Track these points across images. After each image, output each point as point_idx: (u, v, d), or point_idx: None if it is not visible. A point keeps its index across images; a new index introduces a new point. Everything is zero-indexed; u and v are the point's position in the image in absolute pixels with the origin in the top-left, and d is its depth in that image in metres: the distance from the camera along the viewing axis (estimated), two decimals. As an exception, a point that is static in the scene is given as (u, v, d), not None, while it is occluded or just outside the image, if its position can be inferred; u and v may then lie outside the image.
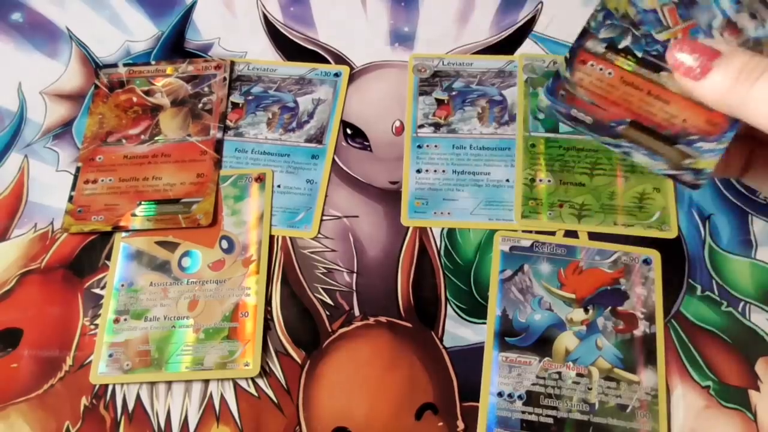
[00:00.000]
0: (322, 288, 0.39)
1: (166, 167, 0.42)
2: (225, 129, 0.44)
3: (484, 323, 0.37)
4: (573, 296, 0.34)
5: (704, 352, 0.36)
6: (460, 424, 0.35)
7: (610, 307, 0.34)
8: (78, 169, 0.42)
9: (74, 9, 0.50)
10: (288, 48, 0.47)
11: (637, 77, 0.32)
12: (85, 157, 0.43)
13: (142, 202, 0.41)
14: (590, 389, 0.32)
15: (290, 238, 0.41)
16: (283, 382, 0.37)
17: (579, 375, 0.32)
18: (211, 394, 0.37)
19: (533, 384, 0.32)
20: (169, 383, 0.37)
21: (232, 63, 0.46)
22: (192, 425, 0.36)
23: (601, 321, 0.33)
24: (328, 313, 0.38)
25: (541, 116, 0.38)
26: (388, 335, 0.38)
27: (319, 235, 0.41)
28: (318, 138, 0.44)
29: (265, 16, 0.49)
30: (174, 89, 0.45)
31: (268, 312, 0.38)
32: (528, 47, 0.46)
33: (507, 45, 0.46)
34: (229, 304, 0.38)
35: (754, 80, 0.25)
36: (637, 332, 0.33)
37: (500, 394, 0.32)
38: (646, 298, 0.34)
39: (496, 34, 0.47)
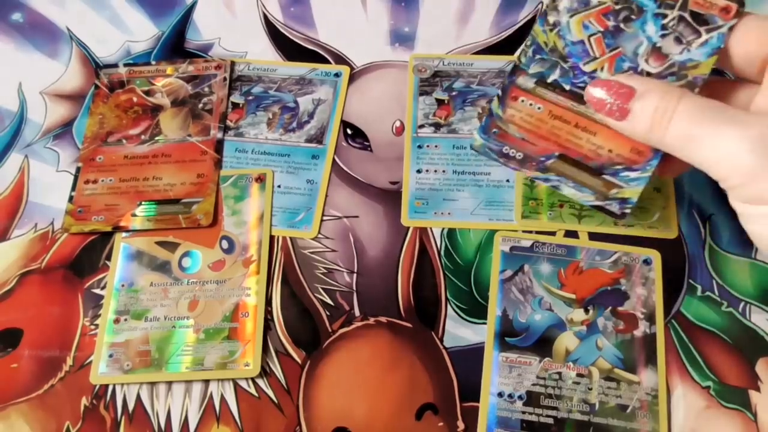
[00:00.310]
0: (323, 288, 0.39)
1: (166, 167, 0.42)
2: (225, 129, 0.44)
3: (484, 323, 0.37)
4: (573, 296, 0.34)
5: (704, 353, 0.36)
6: (461, 424, 0.35)
7: (610, 308, 0.33)
8: (78, 170, 0.42)
9: (74, 9, 0.50)
10: (288, 48, 0.48)
11: (565, 110, 0.33)
12: (85, 157, 0.43)
13: (143, 203, 0.41)
14: (590, 389, 0.32)
15: (290, 238, 0.41)
16: (283, 382, 0.37)
17: (579, 375, 0.32)
18: (211, 395, 0.37)
19: (533, 384, 0.32)
20: (170, 383, 0.37)
21: (233, 63, 0.46)
22: (192, 425, 0.36)
23: (601, 321, 0.33)
24: (328, 313, 0.38)
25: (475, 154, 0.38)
26: (388, 335, 0.38)
27: (320, 236, 0.41)
28: (318, 138, 0.44)
29: (265, 16, 0.49)
30: (174, 89, 0.45)
31: (268, 312, 0.38)
32: (528, 47, 0.46)
33: (507, 45, 0.46)
34: (230, 305, 0.38)
35: (667, 122, 0.27)
36: (638, 332, 0.33)
37: (500, 395, 0.32)
38: (646, 298, 0.34)
39: (496, 34, 0.47)
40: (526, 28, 0.47)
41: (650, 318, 0.33)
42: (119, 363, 0.37)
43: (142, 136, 0.43)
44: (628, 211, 0.32)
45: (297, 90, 0.45)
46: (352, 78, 0.46)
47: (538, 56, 0.34)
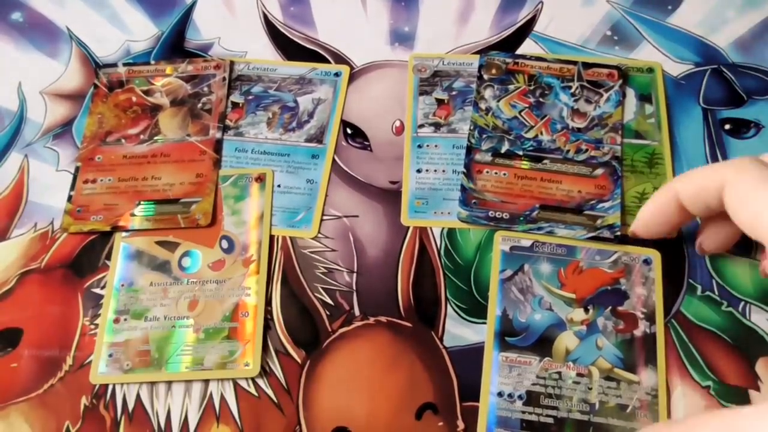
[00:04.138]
0: (322, 288, 0.39)
1: (165, 167, 0.42)
2: (225, 129, 0.44)
3: (485, 323, 0.37)
4: (573, 296, 0.33)
5: (704, 352, 0.36)
6: (460, 424, 0.35)
7: (610, 307, 0.33)
8: (77, 169, 0.42)
9: (74, 9, 0.50)
10: (288, 48, 0.47)
11: (527, 170, 0.40)
12: (84, 157, 0.43)
13: (141, 202, 0.41)
14: (590, 389, 0.32)
15: (290, 238, 0.41)
16: (283, 382, 0.37)
17: (579, 375, 0.32)
18: (211, 394, 0.37)
19: (533, 384, 0.32)
20: (169, 383, 0.37)
21: (232, 63, 0.46)
22: (192, 425, 0.36)
23: (601, 321, 0.33)
24: (328, 313, 0.38)
25: (465, 225, 0.40)
26: (388, 335, 0.38)
27: (319, 235, 0.41)
28: (318, 138, 0.44)
29: (265, 16, 0.49)
30: (173, 89, 0.45)
31: (268, 312, 0.38)
32: (528, 47, 0.46)
33: (507, 45, 0.46)
34: (229, 304, 0.38)
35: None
36: (637, 332, 0.33)
37: (500, 394, 0.32)
38: (646, 298, 0.34)
39: (496, 34, 0.47)
40: (526, 28, 0.47)
41: (650, 318, 0.33)
42: (119, 363, 0.37)
43: (141, 136, 0.43)
44: (618, 233, 0.37)
45: (297, 89, 0.45)
46: (352, 78, 0.46)
47: (485, 135, 0.41)
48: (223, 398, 0.36)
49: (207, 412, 0.36)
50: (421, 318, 0.38)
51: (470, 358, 0.36)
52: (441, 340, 0.37)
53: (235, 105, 0.45)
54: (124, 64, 0.46)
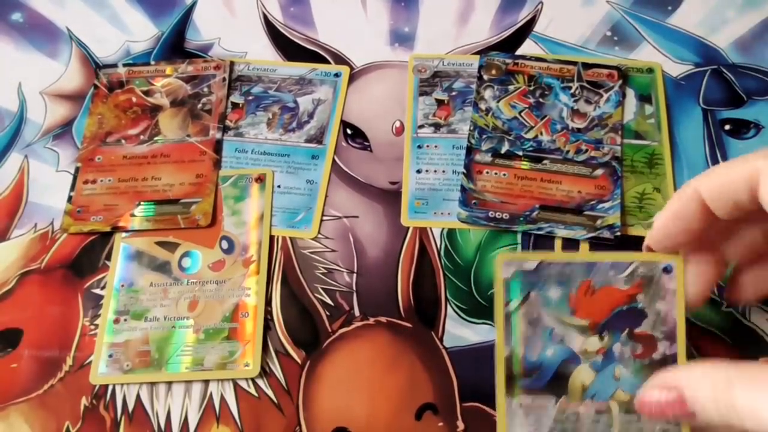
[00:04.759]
0: (322, 288, 0.39)
1: (165, 167, 0.42)
2: (225, 129, 0.44)
3: (485, 323, 0.37)
4: (586, 323, 0.30)
5: (704, 352, 0.36)
6: (460, 424, 0.35)
7: (626, 330, 0.30)
8: (77, 170, 0.42)
9: (74, 9, 0.50)
10: (288, 48, 0.47)
11: (527, 171, 0.40)
12: (84, 158, 0.43)
13: (141, 203, 0.41)
14: (611, 426, 0.30)
15: (290, 238, 0.41)
16: (283, 382, 0.37)
17: (598, 413, 0.30)
18: (211, 395, 0.37)
19: (551, 429, 0.30)
20: (169, 383, 0.37)
21: (232, 63, 0.46)
22: (192, 425, 0.36)
23: (617, 347, 0.30)
24: (328, 313, 0.38)
25: (465, 226, 0.40)
26: (388, 335, 0.38)
27: (319, 236, 0.41)
28: (318, 138, 0.44)
29: (265, 16, 0.49)
30: (173, 89, 0.45)
31: (268, 312, 0.38)
32: (528, 47, 0.46)
33: (507, 45, 0.46)
34: (229, 305, 0.38)
35: (731, 402, 0.24)
36: (656, 355, 0.30)
37: None
38: (665, 314, 0.30)
39: (496, 35, 0.47)
40: (526, 29, 0.47)
41: (670, 336, 0.30)
42: (119, 363, 0.37)
43: (141, 137, 0.43)
44: (618, 233, 0.37)
45: (297, 90, 0.45)
46: (352, 78, 0.46)
47: (485, 136, 0.41)
48: (223, 399, 0.36)
49: (207, 412, 0.36)
50: (421, 318, 0.38)
51: (470, 358, 0.36)
52: (441, 340, 0.37)
53: (235, 105, 0.45)
54: (124, 65, 0.46)
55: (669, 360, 0.30)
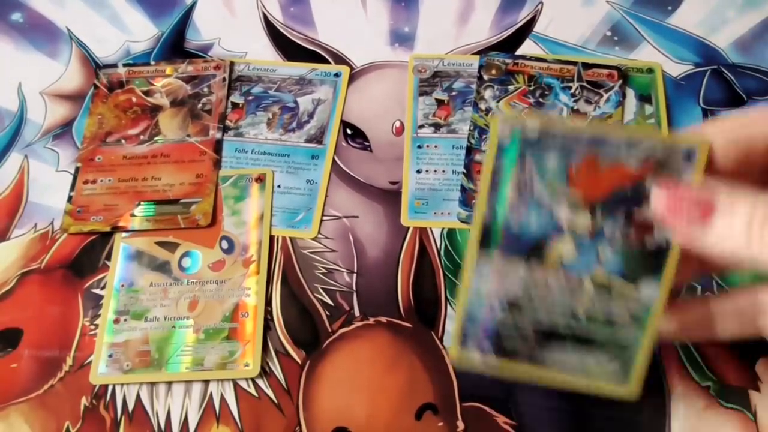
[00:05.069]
0: (322, 288, 0.39)
1: (165, 167, 0.42)
2: (225, 129, 0.44)
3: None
4: (581, 198, 0.27)
5: (704, 353, 0.36)
6: (460, 424, 0.35)
7: (624, 212, 0.27)
8: (77, 170, 0.42)
9: (74, 9, 0.50)
10: (288, 48, 0.47)
11: None
12: (84, 158, 0.43)
13: (141, 203, 0.41)
14: (580, 300, 0.27)
15: (290, 238, 0.41)
16: (283, 382, 0.37)
17: (570, 286, 0.27)
18: (211, 395, 0.37)
19: (518, 291, 0.27)
20: (169, 383, 0.37)
21: (232, 63, 0.46)
22: (192, 425, 0.36)
23: (609, 228, 0.27)
24: (328, 313, 0.38)
25: (465, 226, 0.40)
26: (388, 335, 0.38)
27: (319, 236, 0.41)
28: (318, 138, 0.44)
29: (265, 16, 0.49)
30: (173, 89, 0.45)
31: (268, 312, 0.38)
32: (528, 47, 0.46)
33: (507, 45, 0.46)
34: (230, 305, 0.38)
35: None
36: (650, 244, 0.27)
37: (479, 295, 0.28)
38: None
39: (496, 35, 0.47)
40: (526, 29, 0.47)
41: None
42: (119, 363, 0.37)
43: (141, 137, 0.43)
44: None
45: (297, 90, 0.45)
46: (352, 78, 0.46)
47: (485, 136, 0.41)
48: (223, 399, 0.36)
49: (207, 412, 0.36)
50: (421, 318, 0.38)
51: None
52: (441, 340, 0.37)
53: (235, 105, 0.45)
54: (124, 65, 0.46)
55: (663, 251, 0.27)
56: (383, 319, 0.38)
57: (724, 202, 0.22)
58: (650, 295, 0.27)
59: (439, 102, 0.44)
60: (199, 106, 0.45)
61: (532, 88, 0.43)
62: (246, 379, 0.37)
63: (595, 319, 0.28)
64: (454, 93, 0.44)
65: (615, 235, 0.27)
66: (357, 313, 0.38)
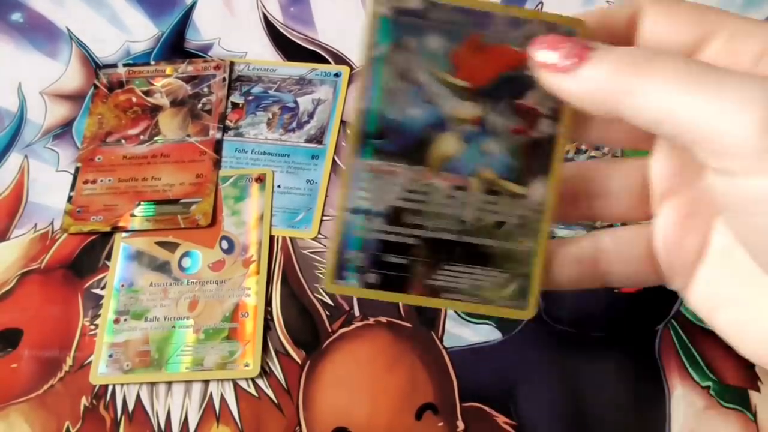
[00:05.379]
0: (322, 288, 0.39)
1: (165, 167, 0.42)
2: (225, 129, 0.44)
3: (485, 323, 0.37)
4: (466, 84, 0.25)
5: (704, 352, 0.36)
6: (460, 424, 0.35)
7: (510, 99, 0.25)
8: (77, 170, 0.42)
9: (74, 9, 0.50)
10: (288, 48, 0.47)
11: None
12: (84, 158, 0.43)
13: (141, 203, 0.41)
14: (465, 204, 0.25)
15: (290, 238, 0.41)
16: (283, 382, 0.37)
17: (455, 188, 0.25)
18: (211, 395, 0.37)
19: (398, 198, 0.25)
20: (169, 383, 0.37)
21: (232, 63, 0.46)
22: (192, 425, 0.36)
23: (494, 118, 0.25)
24: (328, 313, 0.38)
25: None
26: (388, 335, 0.38)
27: (320, 236, 0.41)
28: (318, 138, 0.44)
29: (265, 16, 0.49)
30: (173, 89, 0.45)
31: (268, 312, 0.38)
32: (528, 47, 0.46)
33: (507, 45, 0.46)
34: (229, 305, 0.38)
35: (649, 60, 0.19)
36: (536, 133, 0.25)
37: (357, 211, 0.25)
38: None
39: (496, 34, 0.47)
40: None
41: (555, 115, 0.25)
42: (119, 363, 0.37)
43: (141, 137, 0.43)
44: None
45: (297, 90, 0.45)
46: (352, 78, 0.46)
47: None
48: (223, 399, 0.36)
49: (207, 412, 0.36)
50: (421, 318, 0.38)
51: (470, 358, 0.36)
52: (441, 340, 0.37)
53: (235, 105, 0.45)
54: (124, 65, 0.46)
55: (548, 141, 0.25)
56: (383, 319, 0.38)
57: (599, 49, 0.21)
58: (540, 195, 0.25)
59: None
60: (199, 106, 0.45)
61: None
62: (246, 379, 0.37)
63: (484, 227, 0.25)
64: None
65: (501, 126, 0.25)
66: (357, 313, 0.38)
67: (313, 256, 0.40)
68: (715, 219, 0.22)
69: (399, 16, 0.25)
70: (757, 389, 0.35)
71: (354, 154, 0.25)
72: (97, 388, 0.37)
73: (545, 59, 0.22)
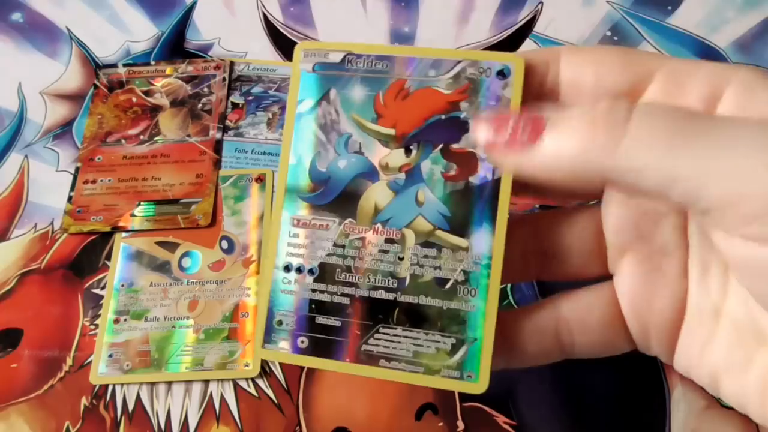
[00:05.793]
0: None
1: (165, 167, 0.42)
2: (225, 129, 0.44)
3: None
4: (392, 132, 0.24)
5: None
6: (460, 424, 0.35)
7: (441, 145, 0.24)
8: (77, 170, 0.42)
9: (74, 9, 0.50)
10: (288, 48, 0.47)
11: None
12: (84, 158, 0.43)
13: (141, 203, 0.41)
14: (401, 259, 0.24)
15: (290, 238, 0.40)
16: (283, 382, 0.37)
17: (389, 241, 0.24)
18: (211, 395, 0.37)
19: (329, 254, 0.24)
20: (169, 383, 0.37)
21: (232, 63, 0.46)
22: (192, 425, 0.36)
23: (426, 165, 0.24)
24: (328, 313, 0.38)
25: None
26: (388, 335, 0.38)
27: (319, 236, 0.41)
28: (318, 138, 0.44)
29: (265, 16, 0.49)
30: (173, 89, 0.45)
31: (268, 312, 0.38)
32: (528, 47, 0.46)
33: (507, 45, 0.46)
34: (230, 305, 0.38)
35: (622, 122, 0.16)
36: (475, 179, 0.23)
37: (287, 268, 0.24)
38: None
39: (496, 34, 0.47)
40: (526, 29, 0.47)
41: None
42: (119, 363, 0.37)
43: (141, 137, 0.43)
44: None
45: (297, 90, 0.45)
46: (352, 78, 0.46)
47: None
48: (223, 399, 0.36)
49: (207, 412, 0.36)
50: (421, 318, 0.38)
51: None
52: (441, 340, 0.37)
53: (235, 105, 0.45)
54: (124, 65, 0.46)
55: (490, 187, 0.23)
56: (383, 319, 0.38)
57: (554, 117, 0.18)
58: (484, 248, 0.23)
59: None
60: (199, 106, 0.45)
61: None
62: (246, 379, 0.37)
63: (424, 284, 0.23)
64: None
65: (433, 171, 0.24)
66: (357, 313, 0.38)
67: (313, 256, 0.40)
68: (686, 275, 0.20)
69: (321, 70, 0.24)
70: (757, 389, 0.35)
71: (282, 208, 0.24)
72: (97, 388, 0.37)
73: (492, 139, 0.19)
